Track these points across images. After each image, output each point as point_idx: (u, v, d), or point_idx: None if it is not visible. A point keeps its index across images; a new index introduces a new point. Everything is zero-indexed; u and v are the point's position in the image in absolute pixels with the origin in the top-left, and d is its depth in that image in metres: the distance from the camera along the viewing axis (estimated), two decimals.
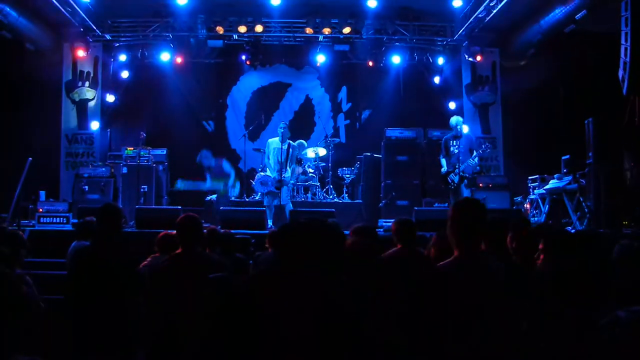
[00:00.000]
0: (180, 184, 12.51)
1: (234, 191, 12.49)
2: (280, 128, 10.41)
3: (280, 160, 10.23)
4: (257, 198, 11.59)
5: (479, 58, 13.37)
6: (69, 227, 9.22)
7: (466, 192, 10.25)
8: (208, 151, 12.71)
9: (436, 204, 11.42)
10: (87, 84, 13.46)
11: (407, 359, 2.92)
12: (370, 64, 14.26)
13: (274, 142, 10.45)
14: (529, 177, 11.89)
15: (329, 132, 14.24)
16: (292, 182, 10.68)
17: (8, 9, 10.94)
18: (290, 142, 10.52)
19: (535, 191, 11.45)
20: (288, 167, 10.37)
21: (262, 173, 10.96)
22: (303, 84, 15.47)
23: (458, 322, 2.78)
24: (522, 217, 10.34)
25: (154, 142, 12.57)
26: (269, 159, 10.49)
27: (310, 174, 12.02)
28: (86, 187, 11.29)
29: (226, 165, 12.54)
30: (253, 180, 11.87)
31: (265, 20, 13.24)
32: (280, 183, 10.12)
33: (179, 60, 13.91)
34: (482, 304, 2.82)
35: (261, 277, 2.89)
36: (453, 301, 2.79)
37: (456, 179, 10.15)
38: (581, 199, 9.76)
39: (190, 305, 3.75)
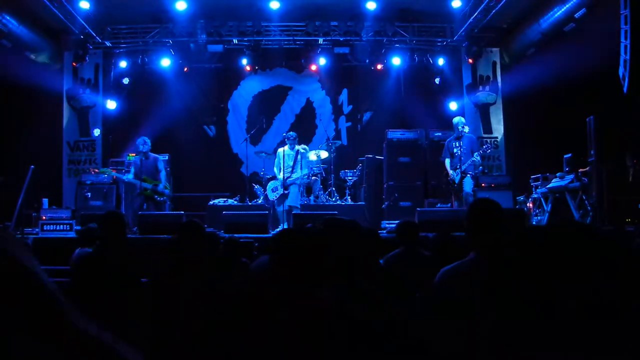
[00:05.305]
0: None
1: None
2: (290, 139, 10.94)
3: (290, 163, 10.69)
4: (259, 202, 11.60)
5: (470, 61, 13.39)
6: (72, 234, 9.22)
7: (468, 191, 10.21)
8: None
9: (439, 205, 11.41)
10: (88, 91, 13.54)
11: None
12: (379, 67, 14.24)
13: (285, 150, 10.90)
14: (531, 176, 11.89)
15: (331, 134, 14.26)
16: (299, 181, 10.84)
17: (8, 18, 10.99)
18: (300, 149, 10.92)
19: (537, 190, 11.45)
20: (299, 170, 10.76)
21: (271, 182, 11.26)
22: (304, 87, 15.48)
23: (470, 321, 2.76)
24: (520, 210, 10.37)
25: (156, 148, 12.58)
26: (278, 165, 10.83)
27: (313, 178, 12.02)
28: (89, 193, 11.31)
29: (160, 164, 10.78)
30: (255, 185, 11.95)
31: (265, 24, 13.25)
32: (285, 182, 10.38)
33: (185, 69, 14.05)
34: (498, 303, 2.81)
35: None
36: (468, 300, 2.76)
37: (457, 178, 10.14)
38: (584, 197, 9.75)
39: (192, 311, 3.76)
